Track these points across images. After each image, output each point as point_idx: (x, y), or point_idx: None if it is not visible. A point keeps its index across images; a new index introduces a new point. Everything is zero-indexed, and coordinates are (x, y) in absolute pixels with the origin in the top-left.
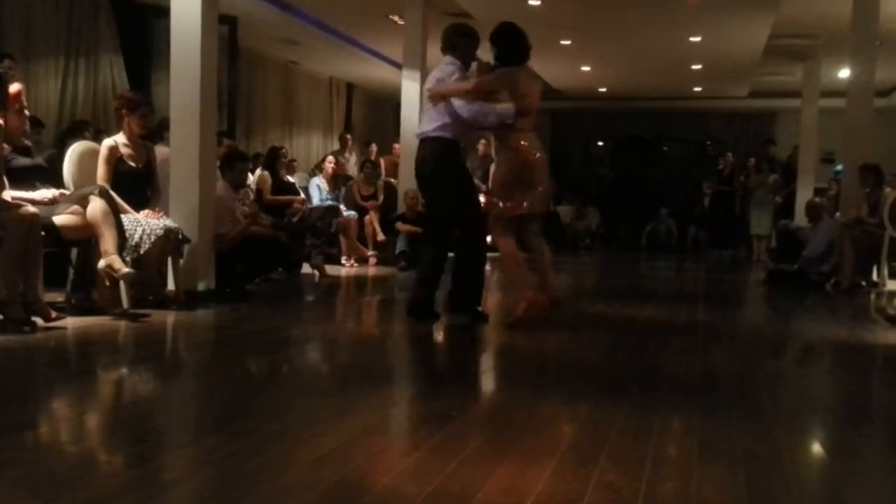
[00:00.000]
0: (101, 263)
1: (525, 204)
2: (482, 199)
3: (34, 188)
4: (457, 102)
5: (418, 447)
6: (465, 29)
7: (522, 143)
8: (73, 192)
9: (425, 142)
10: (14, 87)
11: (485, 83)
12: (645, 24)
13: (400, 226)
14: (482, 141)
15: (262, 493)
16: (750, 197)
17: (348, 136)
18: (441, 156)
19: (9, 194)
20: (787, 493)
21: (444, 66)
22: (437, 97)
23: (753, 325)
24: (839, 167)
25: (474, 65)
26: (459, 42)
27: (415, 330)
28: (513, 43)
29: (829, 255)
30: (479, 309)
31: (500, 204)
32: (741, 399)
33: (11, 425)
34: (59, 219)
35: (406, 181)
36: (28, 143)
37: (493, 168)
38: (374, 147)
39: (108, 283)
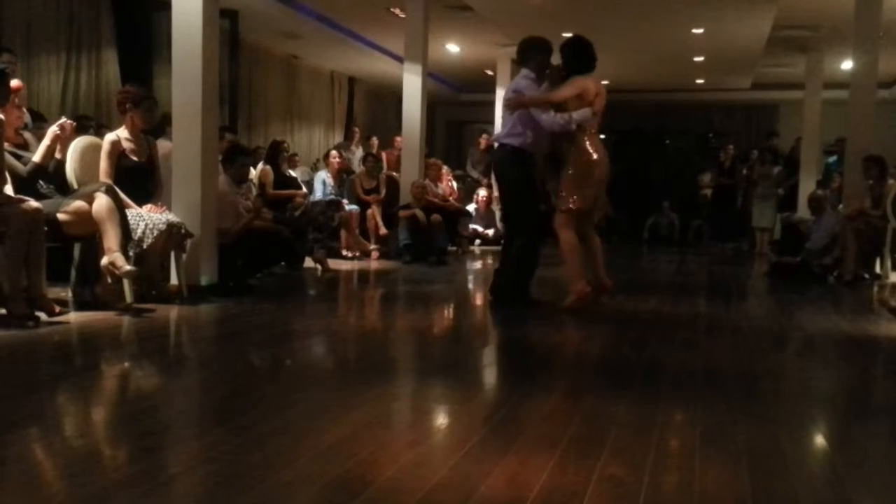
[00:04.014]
0: (104, 261)
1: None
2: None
3: (36, 183)
4: (540, 114)
5: (421, 440)
6: (539, 42)
7: (588, 143)
8: (79, 189)
9: (499, 146)
10: (14, 83)
11: (561, 94)
12: (647, 17)
13: (402, 212)
14: (483, 135)
15: (265, 486)
16: (753, 189)
17: (355, 129)
18: (506, 160)
19: (10, 189)
20: (789, 486)
21: (519, 80)
22: (516, 106)
23: (756, 317)
24: (831, 159)
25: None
26: (534, 55)
27: (417, 323)
28: (581, 53)
29: (832, 247)
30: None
31: (570, 200)
32: (744, 391)
33: (16, 420)
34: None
35: (409, 174)
36: (28, 136)
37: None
38: (375, 140)
39: (110, 280)
